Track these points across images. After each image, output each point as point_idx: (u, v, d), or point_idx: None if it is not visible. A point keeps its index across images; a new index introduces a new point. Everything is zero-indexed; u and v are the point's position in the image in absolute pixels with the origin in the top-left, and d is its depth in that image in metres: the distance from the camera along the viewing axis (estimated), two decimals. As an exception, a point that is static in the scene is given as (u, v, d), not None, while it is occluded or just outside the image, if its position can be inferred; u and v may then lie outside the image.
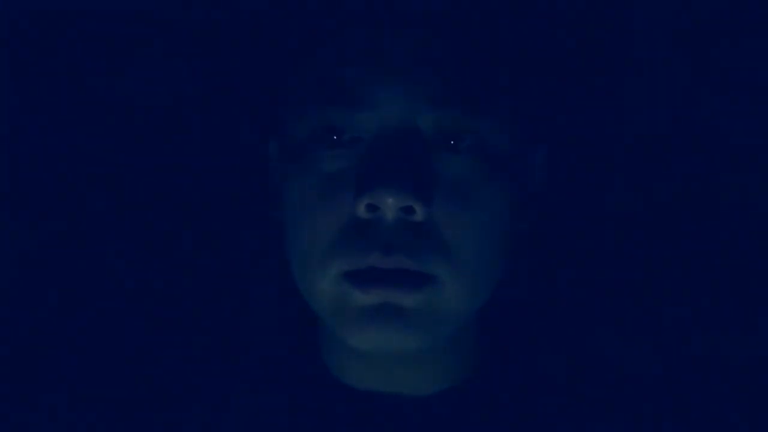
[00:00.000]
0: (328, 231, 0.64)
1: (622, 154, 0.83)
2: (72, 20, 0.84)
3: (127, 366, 0.78)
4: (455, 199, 0.63)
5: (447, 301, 0.64)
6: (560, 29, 0.79)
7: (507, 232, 0.67)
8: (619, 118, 0.83)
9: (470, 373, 0.71)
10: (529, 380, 0.73)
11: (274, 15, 0.73)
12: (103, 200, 0.84)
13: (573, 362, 0.76)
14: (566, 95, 0.80)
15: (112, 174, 0.84)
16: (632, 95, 0.83)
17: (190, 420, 0.72)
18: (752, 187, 0.83)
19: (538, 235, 0.76)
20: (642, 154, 0.83)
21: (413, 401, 0.69)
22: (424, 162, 0.63)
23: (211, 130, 0.85)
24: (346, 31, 0.65)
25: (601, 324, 0.82)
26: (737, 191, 0.83)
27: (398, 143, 0.63)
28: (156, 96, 0.84)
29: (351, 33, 0.65)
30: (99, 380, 0.77)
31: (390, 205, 0.61)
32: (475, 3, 0.66)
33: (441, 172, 0.63)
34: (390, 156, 0.62)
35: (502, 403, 0.71)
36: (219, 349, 0.78)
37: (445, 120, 0.64)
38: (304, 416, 0.70)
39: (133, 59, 0.84)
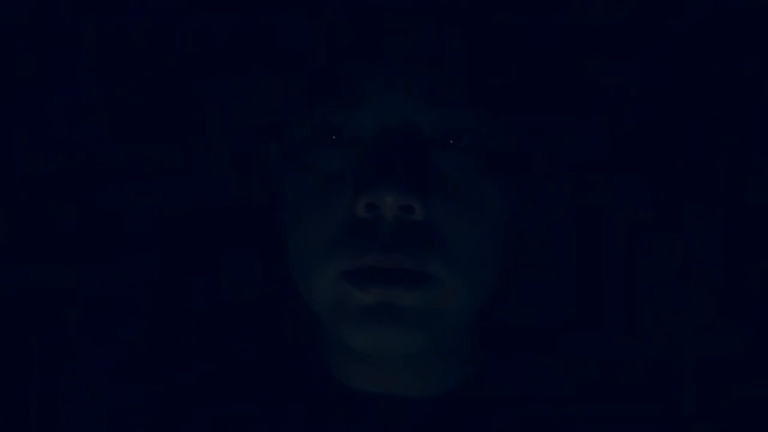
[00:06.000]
0: (327, 230, 0.64)
1: (621, 154, 0.83)
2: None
3: (126, 366, 0.78)
4: (454, 198, 0.63)
5: (446, 300, 0.64)
6: (559, 28, 0.79)
7: (506, 232, 0.67)
8: (618, 117, 0.83)
9: (471, 374, 0.71)
10: (529, 381, 0.73)
11: (272, 15, 0.73)
12: (102, 200, 0.85)
13: (572, 363, 0.76)
14: (566, 94, 0.80)
15: (110, 174, 0.85)
16: (632, 93, 0.83)
17: (190, 421, 0.72)
18: (752, 184, 0.83)
19: (538, 234, 0.76)
20: (641, 154, 0.83)
21: (414, 403, 0.69)
22: (423, 161, 0.63)
23: (210, 130, 0.85)
24: (344, 30, 0.65)
25: (600, 325, 0.82)
26: (737, 190, 0.83)
27: (397, 142, 0.63)
28: (154, 97, 0.84)
29: (350, 32, 0.65)
30: (99, 381, 0.77)
31: (389, 204, 0.61)
32: (474, 1, 0.66)
33: (440, 171, 0.63)
34: (389, 155, 0.62)
35: (503, 405, 0.71)
36: (219, 349, 0.78)
37: (444, 118, 0.63)
38: (304, 418, 0.70)
39: (131, 57, 0.84)
